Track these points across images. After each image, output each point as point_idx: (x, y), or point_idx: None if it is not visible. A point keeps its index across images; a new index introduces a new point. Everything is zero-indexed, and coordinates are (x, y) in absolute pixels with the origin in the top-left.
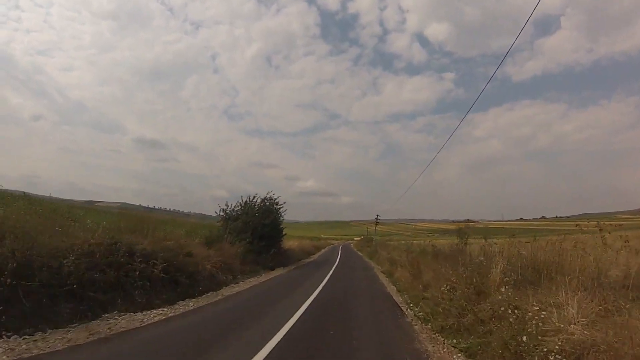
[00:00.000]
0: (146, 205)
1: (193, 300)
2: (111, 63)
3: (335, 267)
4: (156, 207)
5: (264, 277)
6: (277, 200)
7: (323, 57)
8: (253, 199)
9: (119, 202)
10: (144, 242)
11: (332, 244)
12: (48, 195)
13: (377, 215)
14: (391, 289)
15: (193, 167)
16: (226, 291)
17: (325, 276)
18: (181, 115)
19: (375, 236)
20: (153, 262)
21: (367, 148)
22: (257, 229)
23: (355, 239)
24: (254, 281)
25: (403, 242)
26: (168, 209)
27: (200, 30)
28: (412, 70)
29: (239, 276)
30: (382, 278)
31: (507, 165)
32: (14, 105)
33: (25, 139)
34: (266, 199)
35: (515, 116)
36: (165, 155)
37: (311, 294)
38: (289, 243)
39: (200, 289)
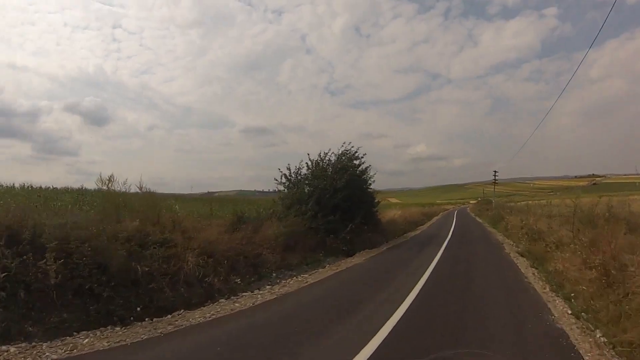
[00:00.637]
0: (261, 190)
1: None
2: (207, 65)
3: (447, 244)
4: (271, 190)
5: (318, 275)
6: (356, 154)
7: (412, 17)
8: (325, 156)
9: (235, 190)
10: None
11: (447, 210)
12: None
13: (495, 172)
14: (558, 308)
15: (303, 147)
16: (202, 314)
17: (426, 268)
18: (283, 99)
19: (494, 198)
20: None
21: (473, 105)
22: (324, 197)
23: (471, 202)
24: (289, 286)
25: (534, 202)
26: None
27: (284, 16)
28: (508, 13)
29: (273, 274)
30: (525, 269)
31: (633, 108)
32: (131, 121)
33: (147, 147)
34: (343, 155)
35: (637, 46)
36: (273, 140)
37: (377, 329)
38: (390, 213)
39: (140, 310)
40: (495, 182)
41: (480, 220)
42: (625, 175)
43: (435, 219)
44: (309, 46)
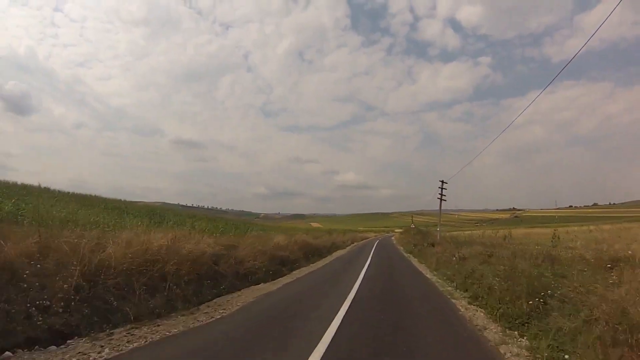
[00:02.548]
0: (184, 204)
1: None
2: (147, 69)
3: None
4: (195, 205)
5: None
6: None
7: (356, 49)
8: None
9: (160, 202)
10: None
11: (366, 239)
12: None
13: (443, 182)
14: None
15: (232, 166)
16: None
17: None
18: (218, 115)
19: (439, 227)
20: None
21: (405, 139)
22: None
23: (396, 230)
24: None
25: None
26: (207, 206)
27: (230, 31)
28: (447, 56)
29: None
30: None
31: (550, 151)
32: (57, 115)
33: (70, 146)
34: None
35: (557, 99)
36: (204, 155)
37: None
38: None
39: None
40: (442, 196)
41: (427, 275)
42: (540, 209)
43: (334, 256)
44: (251, 64)
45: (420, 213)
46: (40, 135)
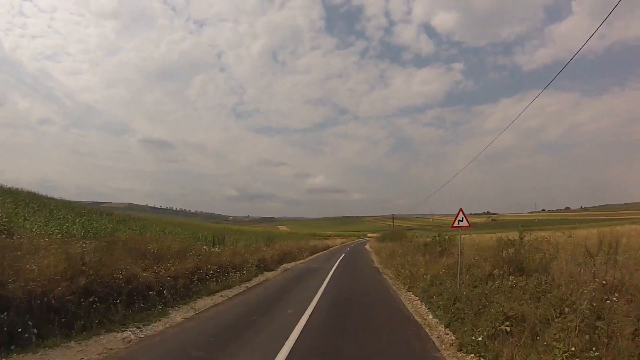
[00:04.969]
0: (153, 205)
1: None
2: (118, 65)
3: None
4: (163, 207)
5: None
6: None
7: (330, 51)
8: None
9: (126, 203)
10: None
11: (328, 248)
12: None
13: None
14: None
15: (203, 167)
16: None
17: None
18: (189, 114)
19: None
20: None
21: (377, 143)
22: None
23: (369, 235)
24: None
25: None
26: (176, 208)
27: (205, 29)
28: (420, 62)
29: None
30: None
31: (521, 157)
32: (22, 109)
33: (35, 143)
34: None
35: (525, 107)
36: (175, 156)
37: None
38: None
39: None
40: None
41: None
42: (513, 213)
43: None
44: (224, 64)
45: (394, 217)
46: (3, 131)
